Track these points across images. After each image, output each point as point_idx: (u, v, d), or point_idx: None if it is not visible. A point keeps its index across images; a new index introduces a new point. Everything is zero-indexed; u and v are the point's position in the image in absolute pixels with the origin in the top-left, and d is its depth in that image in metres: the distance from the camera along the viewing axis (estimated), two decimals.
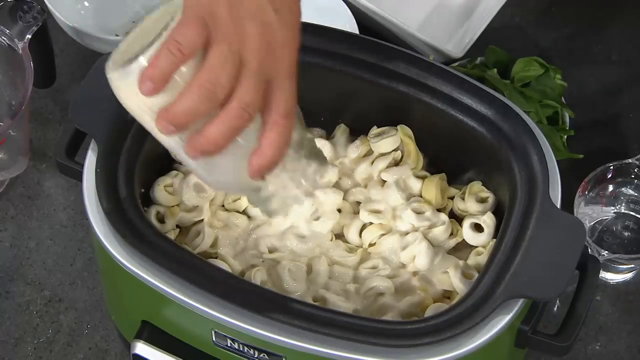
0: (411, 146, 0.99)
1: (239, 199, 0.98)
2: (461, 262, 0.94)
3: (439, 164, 1.01)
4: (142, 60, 0.76)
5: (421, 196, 0.98)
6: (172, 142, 0.79)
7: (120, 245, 0.88)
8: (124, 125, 0.93)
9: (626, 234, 1.12)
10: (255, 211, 0.98)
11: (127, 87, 0.77)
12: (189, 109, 0.75)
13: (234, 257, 0.95)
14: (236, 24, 0.76)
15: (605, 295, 1.10)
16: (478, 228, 0.96)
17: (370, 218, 0.97)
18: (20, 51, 1.08)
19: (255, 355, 0.88)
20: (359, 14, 1.22)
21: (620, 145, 1.18)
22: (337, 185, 1.00)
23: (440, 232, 0.96)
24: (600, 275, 1.04)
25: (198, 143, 0.77)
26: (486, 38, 1.21)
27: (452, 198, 0.99)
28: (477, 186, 0.98)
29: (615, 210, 1.13)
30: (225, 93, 0.76)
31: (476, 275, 0.92)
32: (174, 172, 0.99)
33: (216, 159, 0.79)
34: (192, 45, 0.75)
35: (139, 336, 0.95)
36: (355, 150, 1.01)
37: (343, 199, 0.98)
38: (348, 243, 0.97)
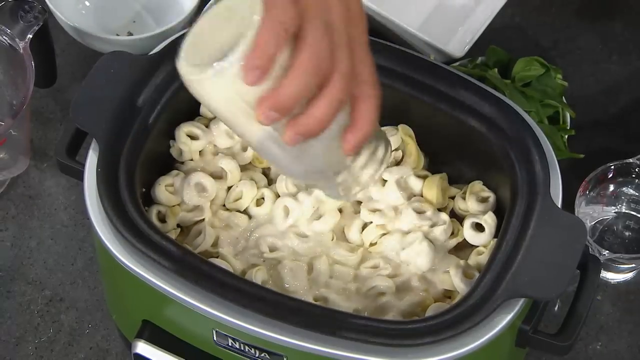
0: (412, 146, 0.99)
1: (240, 198, 0.98)
2: (462, 262, 0.94)
3: (439, 164, 1.01)
4: (240, 51, 0.71)
5: (422, 196, 0.98)
6: (263, 134, 0.75)
7: (121, 245, 0.88)
8: (125, 124, 0.93)
9: (627, 233, 1.12)
10: (256, 211, 0.98)
11: (220, 83, 0.73)
12: (296, 90, 0.72)
13: (235, 256, 0.95)
14: None
15: (606, 295, 1.10)
16: (479, 228, 0.96)
17: (371, 217, 0.97)
18: (21, 51, 1.08)
19: (257, 355, 0.88)
20: None
21: (621, 144, 1.18)
22: None
23: (441, 231, 0.96)
24: (601, 274, 1.04)
25: (303, 125, 0.73)
26: (487, 38, 1.21)
27: (453, 198, 0.99)
28: (478, 186, 0.98)
29: (616, 210, 1.13)
30: (328, 67, 0.73)
31: (477, 274, 0.92)
32: (175, 171, 0.99)
33: (308, 144, 0.75)
34: (294, 23, 0.72)
35: (140, 336, 0.95)
36: None
37: None
38: (349, 242, 0.97)
